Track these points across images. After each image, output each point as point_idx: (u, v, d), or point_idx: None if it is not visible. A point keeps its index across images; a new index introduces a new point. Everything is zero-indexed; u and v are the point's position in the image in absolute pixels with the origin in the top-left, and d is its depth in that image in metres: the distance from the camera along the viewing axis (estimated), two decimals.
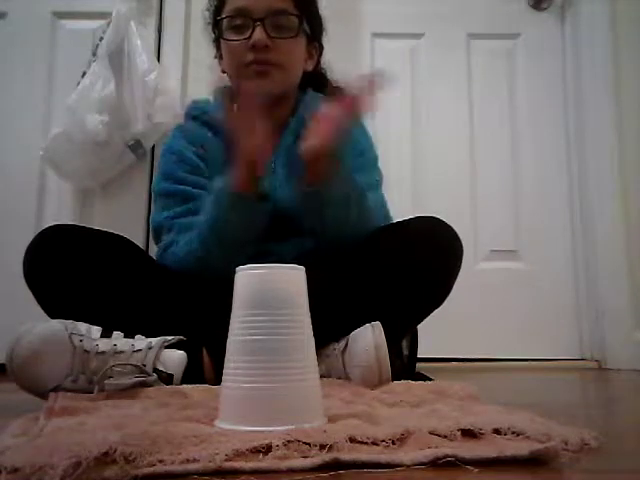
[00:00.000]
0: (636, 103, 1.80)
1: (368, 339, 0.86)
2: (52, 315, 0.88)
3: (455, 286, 0.97)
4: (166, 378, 0.83)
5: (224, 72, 1.12)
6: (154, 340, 0.85)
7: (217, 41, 1.12)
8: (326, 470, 0.45)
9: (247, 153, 0.90)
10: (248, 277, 0.60)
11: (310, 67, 1.14)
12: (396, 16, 1.89)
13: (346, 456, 0.46)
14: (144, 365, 0.81)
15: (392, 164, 1.62)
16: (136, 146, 1.60)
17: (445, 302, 0.97)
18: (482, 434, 0.52)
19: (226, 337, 0.59)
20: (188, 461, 0.44)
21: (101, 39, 1.60)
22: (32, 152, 1.64)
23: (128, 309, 0.93)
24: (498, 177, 1.84)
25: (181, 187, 1.06)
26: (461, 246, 0.96)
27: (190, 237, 0.99)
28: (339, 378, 0.88)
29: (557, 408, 0.88)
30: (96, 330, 0.84)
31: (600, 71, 1.81)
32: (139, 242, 1.53)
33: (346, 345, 0.89)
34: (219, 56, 1.13)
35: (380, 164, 1.15)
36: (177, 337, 0.87)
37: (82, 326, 0.83)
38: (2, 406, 0.88)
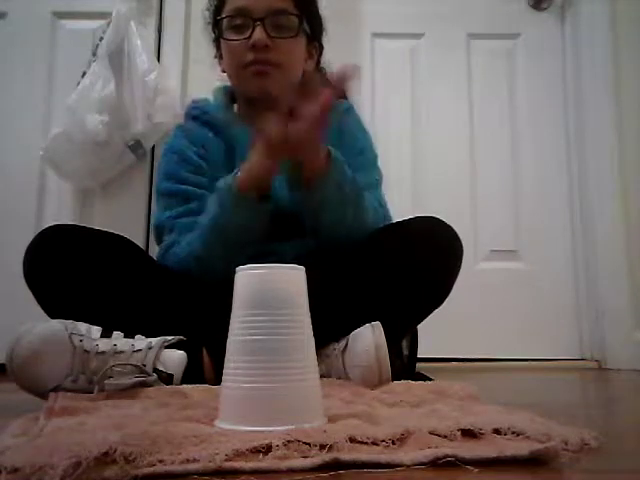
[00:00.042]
0: (636, 103, 1.80)
1: (368, 339, 0.86)
2: (52, 315, 0.88)
3: (455, 286, 0.97)
4: (166, 378, 0.83)
5: (224, 72, 1.12)
6: (154, 340, 0.85)
7: (217, 41, 1.12)
8: (326, 470, 0.45)
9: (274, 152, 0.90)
10: (248, 277, 0.60)
11: (310, 67, 1.14)
12: (396, 16, 1.89)
13: (346, 456, 0.46)
14: (144, 365, 0.81)
15: (392, 164, 1.62)
16: (136, 146, 1.60)
17: (445, 302, 0.97)
18: (482, 434, 0.52)
19: (226, 337, 0.59)
20: (188, 461, 0.44)
21: (101, 39, 1.60)
22: (32, 152, 1.64)
23: (128, 309, 0.93)
24: (498, 177, 1.84)
25: (183, 187, 1.06)
26: (461, 246, 0.96)
27: (191, 237, 0.99)
28: (339, 378, 0.88)
29: (557, 408, 0.88)
30: (96, 330, 0.84)
31: (600, 71, 1.81)
32: (139, 242, 1.53)
33: (346, 345, 0.88)
34: (219, 56, 1.13)
35: (380, 163, 1.14)
36: (177, 337, 0.87)
37: (82, 326, 0.83)
38: (2, 406, 0.88)
